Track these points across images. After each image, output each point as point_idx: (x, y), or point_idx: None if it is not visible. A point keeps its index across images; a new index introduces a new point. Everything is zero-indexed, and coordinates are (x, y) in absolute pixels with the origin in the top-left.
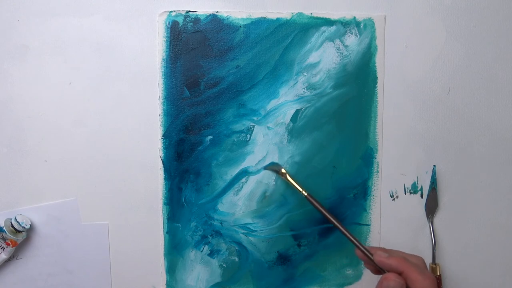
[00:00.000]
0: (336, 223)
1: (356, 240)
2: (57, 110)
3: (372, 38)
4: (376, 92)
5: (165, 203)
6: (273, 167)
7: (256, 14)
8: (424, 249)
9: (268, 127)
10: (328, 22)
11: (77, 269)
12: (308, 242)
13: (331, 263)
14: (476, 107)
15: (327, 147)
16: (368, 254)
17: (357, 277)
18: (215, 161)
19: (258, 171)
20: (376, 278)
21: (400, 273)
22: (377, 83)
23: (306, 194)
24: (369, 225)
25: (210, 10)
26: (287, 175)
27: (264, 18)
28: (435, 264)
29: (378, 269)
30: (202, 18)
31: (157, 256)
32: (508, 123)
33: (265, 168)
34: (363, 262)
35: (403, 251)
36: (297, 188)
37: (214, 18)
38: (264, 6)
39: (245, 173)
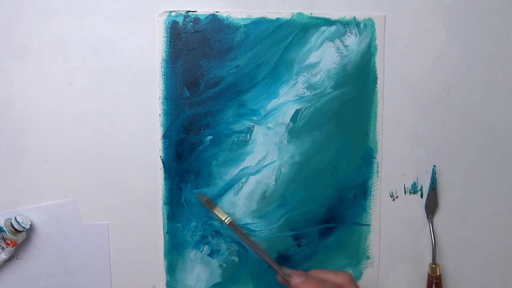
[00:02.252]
0: (258, 251)
1: (277, 266)
2: (57, 110)
3: (372, 38)
4: (376, 92)
5: (165, 203)
6: (200, 196)
7: (256, 14)
8: (424, 249)
9: (268, 127)
10: (328, 22)
11: (77, 269)
12: (308, 242)
13: (331, 263)
14: (476, 107)
15: (327, 147)
16: (287, 278)
17: (357, 277)
18: (215, 161)
19: (258, 171)
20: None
21: None
22: (377, 83)
23: (230, 221)
24: (369, 225)
25: (210, 10)
26: (212, 205)
27: (264, 18)
28: (435, 264)
29: None
30: (202, 18)
31: (157, 256)
32: (508, 123)
33: (195, 193)
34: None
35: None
36: (220, 217)
37: (214, 18)
38: (264, 6)
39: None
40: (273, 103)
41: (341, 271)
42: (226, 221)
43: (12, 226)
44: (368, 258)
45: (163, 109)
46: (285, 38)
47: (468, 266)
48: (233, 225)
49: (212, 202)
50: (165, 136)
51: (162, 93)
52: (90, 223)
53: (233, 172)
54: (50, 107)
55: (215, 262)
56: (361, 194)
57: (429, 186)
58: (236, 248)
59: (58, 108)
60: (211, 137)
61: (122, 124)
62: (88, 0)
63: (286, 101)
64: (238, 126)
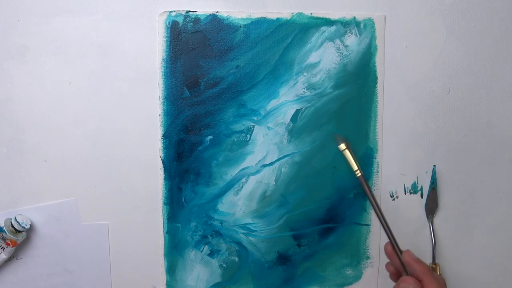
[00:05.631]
0: (380, 215)
1: (392, 236)
2: (57, 110)
3: (372, 38)
4: (376, 92)
5: (165, 203)
6: (339, 138)
7: (256, 14)
8: (424, 249)
9: (268, 127)
10: (328, 22)
11: (77, 269)
12: (308, 242)
13: (331, 263)
14: (476, 107)
15: (327, 147)
16: (398, 251)
17: (357, 277)
18: (215, 161)
19: (258, 171)
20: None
21: (419, 281)
22: (377, 83)
23: (360, 174)
24: (369, 225)
25: (210, 10)
26: (347, 151)
27: (264, 18)
28: (435, 264)
29: (396, 273)
30: (202, 18)
31: (157, 256)
32: (508, 123)
33: (334, 134)
34: (385, 264)
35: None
36: (352, 166)
37: (214, 18)
38: (264, 6)
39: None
40: (273, 103)
41: (440, 275)
42: (356, 173)
43: (12, 226)
44: (368, 258)
45: (163, 109)
46: (285, 38)
47: (468, 266)
48: (362, 179)
49: (350, 149)
50: (165, 136)
51: (162, 93)
52: (90, 223)
53: (233, 172)
54: (50, 107)
55: (215, 262)
56: (361, 194)
57: (429, 186)
58: (236, 248)
59: (58, 108)
60: (211, 137)
61: (122, 124)
62: (88, 0)
63: (286, 101)
64: (238, 126)
